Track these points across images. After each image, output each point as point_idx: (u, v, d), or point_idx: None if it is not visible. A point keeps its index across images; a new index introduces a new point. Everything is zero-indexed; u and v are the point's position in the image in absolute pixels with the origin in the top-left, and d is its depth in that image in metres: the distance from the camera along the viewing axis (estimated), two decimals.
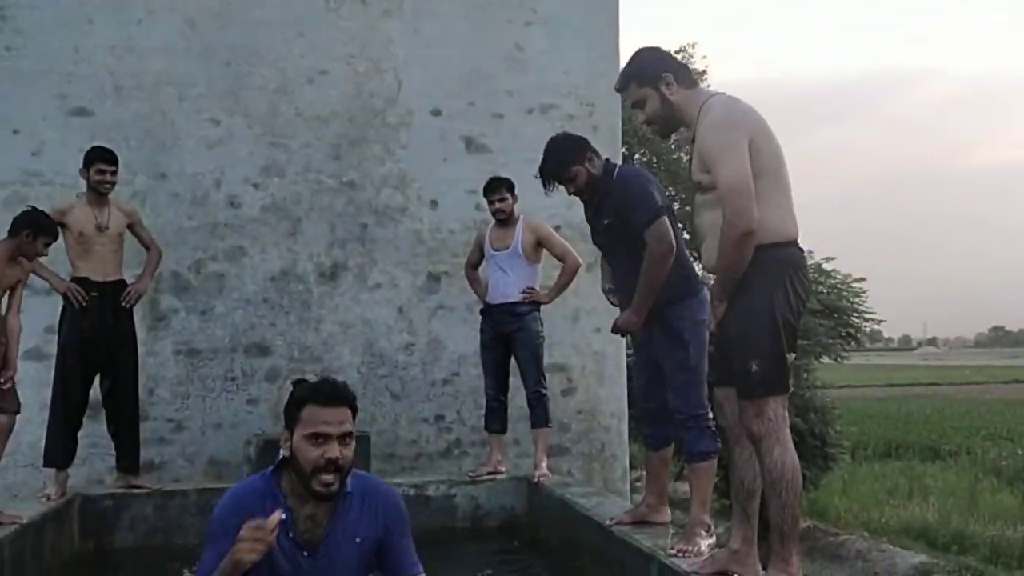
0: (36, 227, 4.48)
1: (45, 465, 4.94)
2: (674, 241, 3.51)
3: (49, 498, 4.70)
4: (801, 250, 2.83)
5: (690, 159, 2.98)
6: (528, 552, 4.89)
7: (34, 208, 4.64)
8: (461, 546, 4.97)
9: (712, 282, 2.94)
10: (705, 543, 3.30)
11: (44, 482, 4.97)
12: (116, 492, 5.07)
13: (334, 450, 2.18)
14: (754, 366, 2.67)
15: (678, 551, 3.25)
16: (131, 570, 4.48)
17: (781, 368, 2.71)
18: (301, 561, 2.27)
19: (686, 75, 2.98)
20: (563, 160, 3.71)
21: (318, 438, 2.18)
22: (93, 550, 4.83)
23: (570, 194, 3.82)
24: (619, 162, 6.77)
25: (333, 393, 2.24)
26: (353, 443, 2.24)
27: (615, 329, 3.72)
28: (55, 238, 4.61)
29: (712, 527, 3.46)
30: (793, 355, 2.79)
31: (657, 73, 2.94)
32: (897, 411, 17.51)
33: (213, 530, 2.27)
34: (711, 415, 3.48)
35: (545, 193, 3.88)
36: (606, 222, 3.67)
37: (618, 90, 3.12)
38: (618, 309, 3.82)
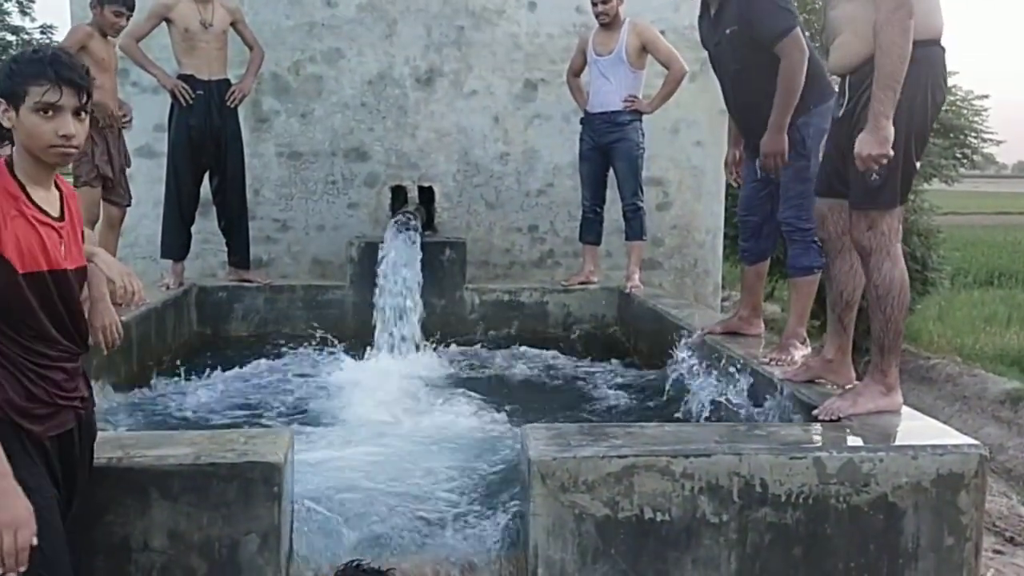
0: None
1: (163, 256, 5.25)
2: (807, 50, 3.32)
3: (168, 287, 5.03)
4: (943, 49, 2.58)
5: None
6: (619, 357, 5.03)
7: None
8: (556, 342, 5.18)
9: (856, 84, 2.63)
10: (799, 354, 3.32)
11: (162, 273, 5.29)
12: (229, 285, 5.38)
13: None
14: (876, 175, 2.52)
15: (771, 359, 3.29)
16: (246, 353, 4.81)
17: (906, 179, 2.60)
18: None
19: None
20: None
21: None
22: (210, 335, 5.19)
23: None
24: None
25: None
26: None
27: (764, 163, 3.41)
28: (127, 7, 4.58)
29: (807, 340, 3.47)
30: (919, 164, 2.66)
31: None
32: (1004, 239, 16.81)
33: None
34: None
35: None
36: (728, 31, 3.44)
37: None
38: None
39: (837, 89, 2.86)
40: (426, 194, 6.32)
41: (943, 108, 7.94)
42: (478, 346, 5.20)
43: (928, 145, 7.43)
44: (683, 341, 3.93)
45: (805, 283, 3.50)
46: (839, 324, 2.93)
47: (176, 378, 4.28)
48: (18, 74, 1.79)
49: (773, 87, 3.34)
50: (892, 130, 2.45)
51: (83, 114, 1.86)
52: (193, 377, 4.30)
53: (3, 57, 21.96)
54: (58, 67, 1.80)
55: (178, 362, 4.41)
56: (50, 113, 1.80)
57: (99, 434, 2.14)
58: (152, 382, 4.17)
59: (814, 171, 3.27)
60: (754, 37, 3.36)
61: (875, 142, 2.46)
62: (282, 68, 6.14)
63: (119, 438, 2.41)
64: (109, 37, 4.64)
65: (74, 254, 1.93)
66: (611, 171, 5.35)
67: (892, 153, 2.47)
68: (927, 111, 2.56)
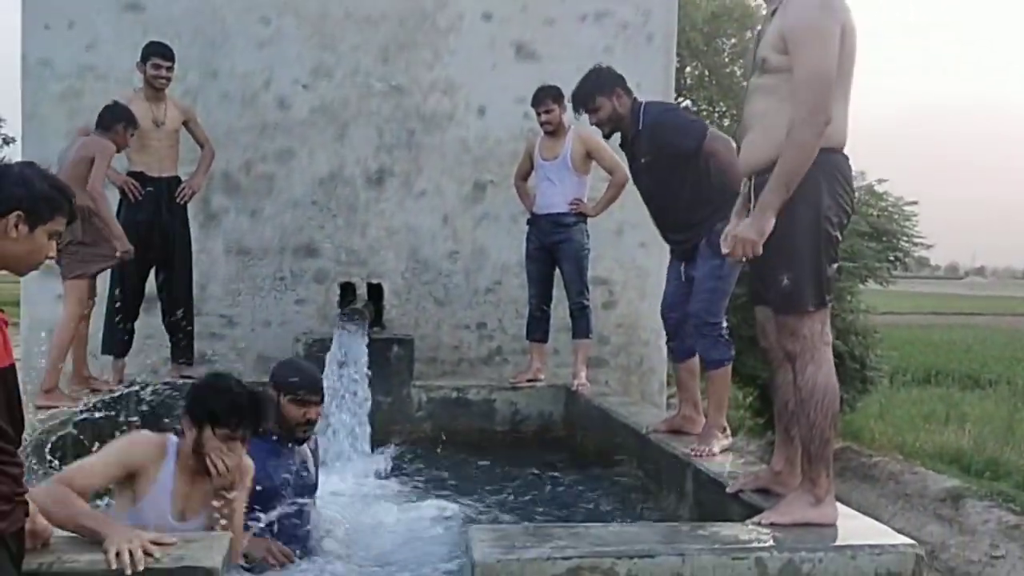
0: (130, 118, 4.69)
1: (103, 352, 5.15)
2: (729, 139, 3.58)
3: (108, 384, 4.91)
4: (847, 158, 2.66)
5: (757, 42, 2.72)
6: (566, 455, 5.01)
7: (116, 102, 4.78)
8: (500, 448, 5.12)
9: (761, 184, 2.61)
10: (719, 444, 3.44)
11: (102, 369, 5.18)
12: (170, 382, 5.27)
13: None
14: (786, 279, 2.55)
15: (692, 451, 3.40)
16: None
17: (819, 281, 2.59)
18: None
19: None
20: (590, 89, 3.82)
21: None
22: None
23: (592, 124, 3.93)
24: (671, 80, 6.64)
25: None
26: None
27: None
28: (133, 126, 4.76)
29: (728, 429, 3.58)
30: (835, 266, 2.67)
31: None
32: (939, 339, 17.29)
33: None
34: (725, 324, 3.61)
35: (575, 116, 4.07)
36: (643, 160, 3.76)
37: None
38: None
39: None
40: (375, 291, 6.35)
41: (875, 213, 8.31)
42: (426, 444, 5.14)
43: (861, 248, 7.76)
44: None
45: (718, 375, 3.66)
46: (786, 435, 2.87)
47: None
48: (51, 202, 2.04)
49: (685, 201, 3.65)
50: (772, 224, 2.51)
51: None
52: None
53: None
54: (73, 207, 2.13)
55: None
56: (52, 239, 2.08)
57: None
58: None
59: (726, 271, 3.44)
60: (674, 156, 3.64)
61: (753, 231, 2.52)
62: (233, 167, 6.20)
63: (51, 542, 2.32)
64: None
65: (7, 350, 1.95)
66: (557, 271, 5.46)
67: (760, 251, 2.53)
68: (835, 215, 2.59)
